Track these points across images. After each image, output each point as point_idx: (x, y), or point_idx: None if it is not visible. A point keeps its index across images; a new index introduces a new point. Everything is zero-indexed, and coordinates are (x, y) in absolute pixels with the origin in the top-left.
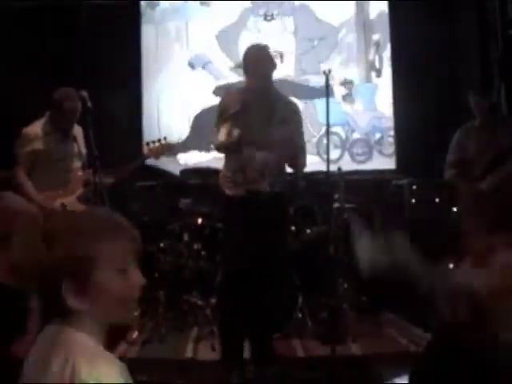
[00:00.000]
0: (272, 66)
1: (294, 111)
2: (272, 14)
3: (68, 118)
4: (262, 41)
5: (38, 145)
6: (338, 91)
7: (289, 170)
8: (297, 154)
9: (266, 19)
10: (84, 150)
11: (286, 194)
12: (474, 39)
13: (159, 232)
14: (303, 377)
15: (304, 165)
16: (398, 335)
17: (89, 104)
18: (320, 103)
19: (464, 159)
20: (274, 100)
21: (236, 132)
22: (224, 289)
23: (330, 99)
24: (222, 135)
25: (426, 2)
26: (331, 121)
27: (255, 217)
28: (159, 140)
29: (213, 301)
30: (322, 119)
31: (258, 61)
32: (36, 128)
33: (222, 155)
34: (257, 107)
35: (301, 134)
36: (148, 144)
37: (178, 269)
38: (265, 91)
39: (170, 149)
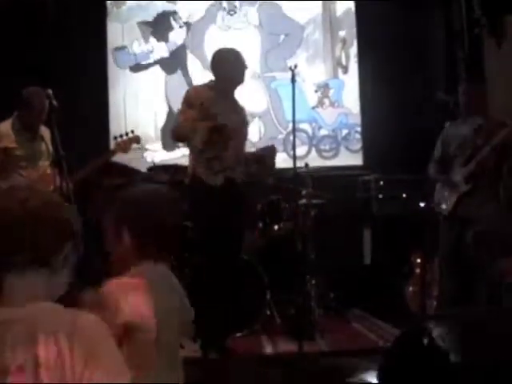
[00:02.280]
0: (245, 69)
1: (246, 117)
2: (235, 7)
3: (36, 116)
4: (229, 36)
5: (7, 143)
6: (312, 98)
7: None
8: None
9: (229, 13)
10: (50, 149)
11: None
12: (440, 37)
13: None
14: (271, 373)
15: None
16: (366, 331)
17: (54, 102)
18: (286, 100)
19: (446, 155)
20: (235, 100)
21: (210, 118)
22: (193, 284)
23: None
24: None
25: (393, 0)
26: (298, 117)
27: (233, 204)
28: (126, 133)
29: None
30: (289, 116)
31: (232, 66)
32: (4, 127)
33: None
34: (224, 101)
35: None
36: (115, 138)
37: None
38: (230, 93)
39: (138, 141)
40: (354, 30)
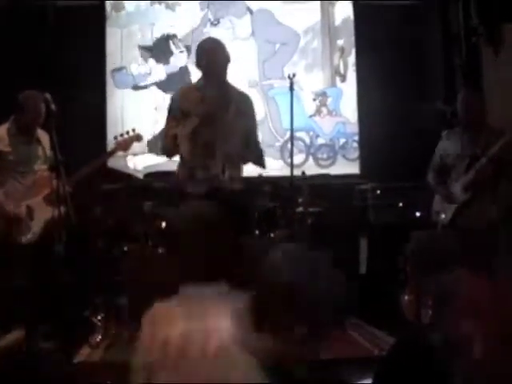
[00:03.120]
0: (226, 58)
1: (249, 104)
2: (218, 19)
3: (32, 119)
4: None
5: (1, 147)
6: (310, 106)
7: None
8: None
9: (212, 24)
10: (48, 153)
11: (245, 191)
12: (438, 46)
13: (123, 236)
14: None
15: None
16: (362, 339)
17: (52, 106)
18: (284, 108)
19: (444, 164)
20: (228, 90)
21: (191, 123)
22: None
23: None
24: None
25: (392, 9)
26: (295, 126)
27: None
28: (127, 132)
29: None
30: (286, 124)
31: (211, 54)
32: (0, 130)
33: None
34: (212, 100)
35: (255, 128)
36: (116, 138)
37: (142, 272)
38: (219, 84)
39: (139, 139)
40: (353, 39)
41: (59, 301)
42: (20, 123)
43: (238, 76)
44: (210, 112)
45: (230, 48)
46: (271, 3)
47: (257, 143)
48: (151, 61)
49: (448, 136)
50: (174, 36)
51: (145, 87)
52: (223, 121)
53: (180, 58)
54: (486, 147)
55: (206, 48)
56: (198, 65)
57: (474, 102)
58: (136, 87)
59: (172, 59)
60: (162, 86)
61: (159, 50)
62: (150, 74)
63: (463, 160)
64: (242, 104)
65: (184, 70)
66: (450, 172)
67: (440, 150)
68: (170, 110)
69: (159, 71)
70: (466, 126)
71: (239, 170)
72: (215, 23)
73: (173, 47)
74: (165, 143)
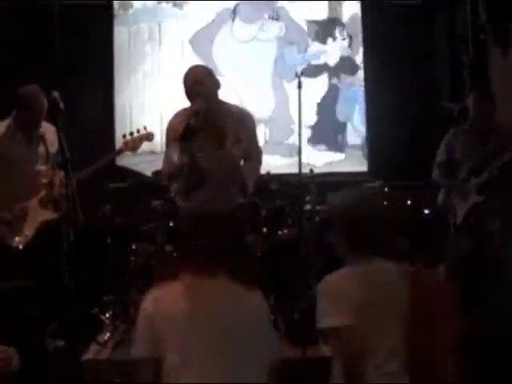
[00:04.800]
0: (213, 87)
1: (247, 119)
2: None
3: (33, 116)
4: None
5: (1, 145)
6: None
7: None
8: (245, 183)
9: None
10: (54, 150)
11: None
12: (446, 44)
13: (131, 233)
14: (274, 378)
15: (257, 174)
16: None
17: (61, 105)
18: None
19: (451, 160)
20: (223, 118)
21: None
22: None
23: None
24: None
25: (399, 7)
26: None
27: None
28: (138, 130)
29: None
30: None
31: (196, 84)
32: (0, 127)
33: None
34: (206, 130)
35: (256, 139)
36: (124, 136)
37: (150, 270)
38: (211, 113)
39: (151, 138)
40: (360, 37)
41: (66, 299)
42: (21, 120)
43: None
44: (202, 145)
45: (242, 47)
46: (279, 2)
47: (259, 155)
48: None
49: (456, 134)
50: None
51: None
52: (216, 126)
53: None
54: (497, 149)
55: (189, 79)
56: (186, 95)
57: (486, 104)
58: None
59: None
60: None
61: None
62: None
63: (473, 160)
64: (240, 126)
65: None
66: (458, 170)
67: (447, 147)
68: (168, 137)
69: None
70: (476, 125)
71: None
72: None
73: None
74: (163, 176)
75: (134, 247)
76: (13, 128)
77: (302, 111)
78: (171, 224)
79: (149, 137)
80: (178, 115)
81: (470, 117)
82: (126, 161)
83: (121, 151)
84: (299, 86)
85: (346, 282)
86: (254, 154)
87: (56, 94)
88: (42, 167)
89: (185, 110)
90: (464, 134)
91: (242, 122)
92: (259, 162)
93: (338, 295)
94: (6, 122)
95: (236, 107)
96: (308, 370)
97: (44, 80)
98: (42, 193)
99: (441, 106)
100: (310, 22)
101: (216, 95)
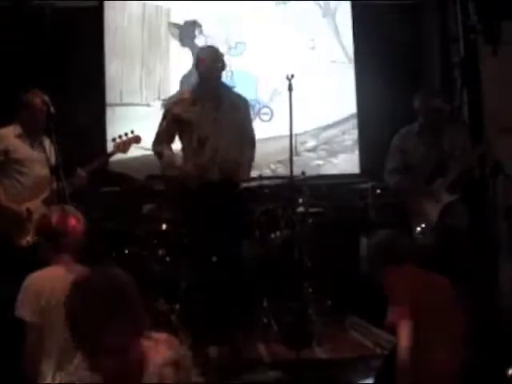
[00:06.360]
0: (219, 67)
1: (244, 101)
2: None
3: (37, 119)
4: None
5: (7, 146)
6: None
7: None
8: (237, 167)
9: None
10: (53, 158)
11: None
12: (436, 44)
13: (123, 238)
14: (269, 381)
15: (251, 158)
16: (363, 338)
17: (51, 109)
18: None
19: (407, 164)
20: (221, 91)
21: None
22: (189, 294)
23: None
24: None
25: (390, 8)
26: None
27: (210, 209)
28: (126, 134)
29: (177, 306)
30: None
31: (207, 62)
32: (7, 130)
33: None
34: (205, 99)
35: (250, 122)
36: (114, 140)
37: (142, 275)
38: (213, 88)
39: (138, 141)
40: (351, 37)
41: None
42: (26, 123)
43: None
44: (201, 111)
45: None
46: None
47: (253, 140)
48: None
49: (405, 137)
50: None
51: None
52: (213, 117)
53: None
54: (453, 146)
55: (201, 56)
56: (196, 69)
57: (435, 105)
58: None
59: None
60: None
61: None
62: None
63: (432, 161)
64: (236, 100)
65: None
66: (416, 173)
67: (399, 151)
68: (163, 116)
69: None
70: (427, 126)
71: (236, 162)
72: None
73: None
74: (162, 164)
75: (126, 252)
76: (18, 131)
77: (292, 113)
78: (163, 228)
79: (137, 139)
80: (171, 101)
81: (419, 118)
82: (118, 165)
83: (112, 154)
84: (289, 88)
85: None
86: (248, 137)
87: (46, 97)
88: (43, 170)
89: (190, 87)
90: (414, 136)
91: (239, 98)
92: (253, 145)
93: None
94: (10, 127)
95: (235, 90)
96: (301, 372)
97: (34, 83)
98: (46, 194)
99: (432, 106)
100: None
101: (219, 75)
